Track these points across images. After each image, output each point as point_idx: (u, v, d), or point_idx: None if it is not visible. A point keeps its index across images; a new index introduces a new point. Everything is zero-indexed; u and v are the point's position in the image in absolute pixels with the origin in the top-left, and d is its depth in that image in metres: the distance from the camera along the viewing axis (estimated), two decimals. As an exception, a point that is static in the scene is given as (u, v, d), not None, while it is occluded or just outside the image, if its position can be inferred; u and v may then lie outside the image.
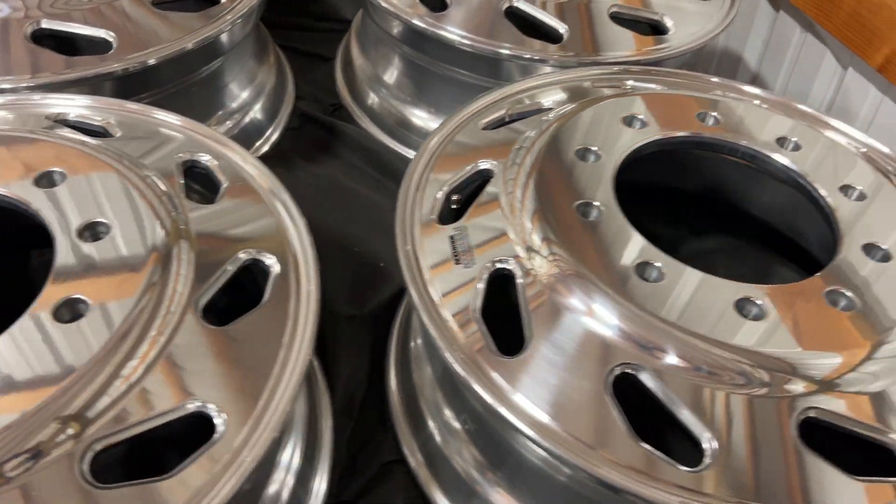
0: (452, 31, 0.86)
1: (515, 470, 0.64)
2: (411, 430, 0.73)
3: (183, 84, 0.91)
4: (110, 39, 0.81)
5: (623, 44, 0.87)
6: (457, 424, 0.68)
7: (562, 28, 0.87)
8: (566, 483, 0.58)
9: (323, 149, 1.04)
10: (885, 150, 0.80)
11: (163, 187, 0.65)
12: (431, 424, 0.70)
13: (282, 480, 0.63)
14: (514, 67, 0.87)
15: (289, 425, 0.66)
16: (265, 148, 1.05)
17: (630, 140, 0.73)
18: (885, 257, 0.64)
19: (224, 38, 0.89)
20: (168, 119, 0.74)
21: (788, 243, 0.84)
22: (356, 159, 1.04)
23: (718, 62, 1.43)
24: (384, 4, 0.89)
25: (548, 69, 0.86)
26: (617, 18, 0.89)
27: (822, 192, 0.70)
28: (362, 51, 1.11)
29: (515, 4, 0.89)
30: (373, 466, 0.72)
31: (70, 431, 0.46)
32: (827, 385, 0.56)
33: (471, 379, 0.54)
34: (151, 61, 0.80)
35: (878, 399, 0.55)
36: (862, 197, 0.70)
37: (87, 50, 0.82)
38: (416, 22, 0.88)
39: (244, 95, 1.03)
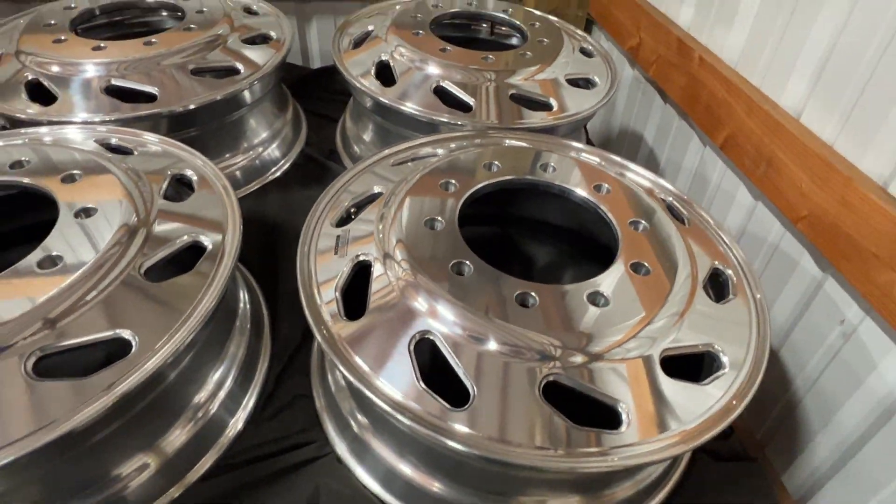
0: (400, 104, 0.97)
1: (369, 410, 0.70)
2: (319, 379, 0.80)
3: (219, 124, 1.03)
4: (154, 92, 0.93)
5: (516, 115, 0.96)
6: (339, 377, 0.75)
7: (472, 101, 0.96)
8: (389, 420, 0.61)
9: (315, 179, 1.14)
10: (670, 186, 0.87)
11: (147, 189, 0.75)
12: (330, 377, 0.77)
13: (211, 392, 0.72)
14: (440, 128, 0.96)
15: (223, 356, 0.74)
16: (276, 174, 1.15)
17: (481, 178, 0.79)
18: (647, 272, 0.69)
19: (246, 94, 1.01)
20: (171, 148, 0.85)
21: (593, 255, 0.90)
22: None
23: (629, 140, 1.50)
24: (355, 83, 1.00)
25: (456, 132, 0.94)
26: (514, 98, 0.98)
27: (612, 220, 0.77)
28: (351, 115, 1.22)
29: (441, 84, 0.98)
30: (288, 397, 0.79)
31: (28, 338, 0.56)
32: (571, 359, 0.60)
33: (317, 334, 0.61)
34: (179, 109, 0.92)
35: (614, 372, 0.60)
36: (643, 227, 0.76)
37: (142, 99, 0.94)
38: (379, 97, 0.98)
39: (264, 135, 1.14)
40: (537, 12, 1.25)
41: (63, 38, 0.99)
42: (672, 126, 1.29)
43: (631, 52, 1.39)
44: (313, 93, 1.42)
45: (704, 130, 1.13)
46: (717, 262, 0.75)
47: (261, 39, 1.10)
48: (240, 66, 1.00)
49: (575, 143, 0.92)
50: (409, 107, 0.96)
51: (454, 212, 0.73)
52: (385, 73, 1.03)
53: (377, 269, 0.67)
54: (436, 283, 0.64)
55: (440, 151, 0.86)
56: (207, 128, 1.02)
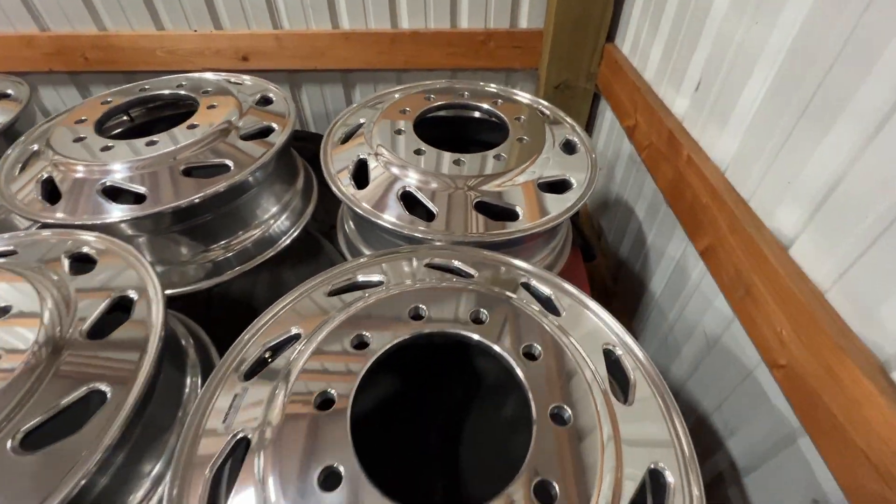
0: (358, 207, 0.73)
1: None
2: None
3: (225, 210, 0.83)
4: (144, 193, 0.74)
5: (481, 226, 0.71)
6: None
7: (435, 209, 0.72)
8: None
9: (311, 256, 0.95)
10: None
11: (52, 274, 0.59)
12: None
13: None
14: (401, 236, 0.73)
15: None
16: (285, 244, 0.95)
17: (396, 334, 0.51)
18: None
19: (250, 179, 0.81)
20: (49, 234, 0.68)
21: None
22: (321, 266, 0.91)
23: (622, 211, 1.19)
24: (329, 182, 0.78)
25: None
26: (478, 207, 0.72)
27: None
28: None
29: (407, 189, 0.74)
30: None
31: None
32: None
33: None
34: (167, 208, 0.73)
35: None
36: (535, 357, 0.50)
37: (137, 199, 0.76)
38: (346, 200, 0.75)
39: (273, 210, 0.94)
40: (526, 98, 0.96)
41: (83, 135, 0.82)
42: (660, 211, 0.98)
43: (628, 132, 1.08)
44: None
45: (687, 231, 0.82)
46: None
47: (266, 131, 0.89)
48: (230, 163, 0.80)
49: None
50: (368, 210, 0.72)
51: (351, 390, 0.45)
52: (362, 173, 0.80)
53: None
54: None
55: (375, 278, 0.61)
56: (213, 215, 0.83)
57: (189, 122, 0.84)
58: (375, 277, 0.60)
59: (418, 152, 0.78)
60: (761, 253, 0.62)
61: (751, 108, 0.69)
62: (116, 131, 1.01)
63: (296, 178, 1.01)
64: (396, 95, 0.96)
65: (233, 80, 1.02)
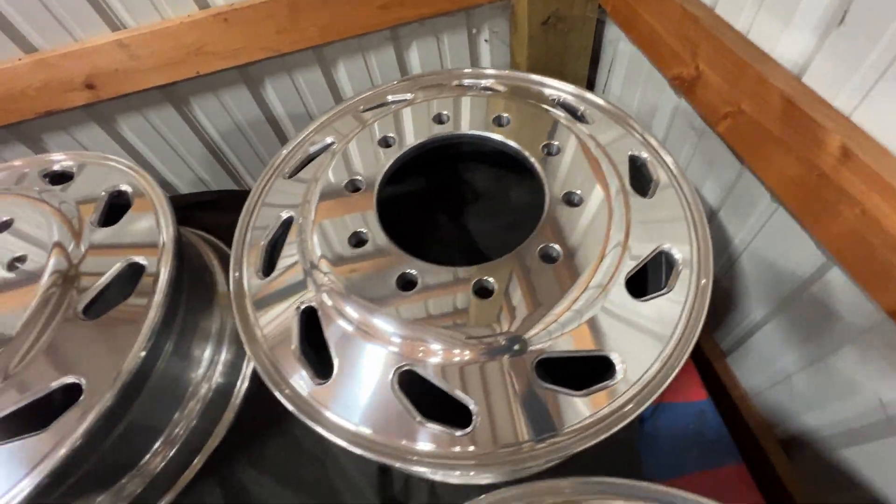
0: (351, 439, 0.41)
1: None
2: None
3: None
4: None
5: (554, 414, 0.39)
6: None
7: (472, 403, 0.40)
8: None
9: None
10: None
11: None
12: None
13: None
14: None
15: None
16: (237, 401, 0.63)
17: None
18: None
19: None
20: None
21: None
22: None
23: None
24: (281, 398, 0.44)
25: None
26: (540, 371, 0.40)
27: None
28: None
29: (406, 368, 0.41)
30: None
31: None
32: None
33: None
34: None
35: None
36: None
37: None
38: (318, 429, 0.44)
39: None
40: (559, 89, 0.59)
41: None
42: (774, 220, 0.66)
43: (679, 86, 0.72)
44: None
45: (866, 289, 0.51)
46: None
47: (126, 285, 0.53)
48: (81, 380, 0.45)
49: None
50: (349, 436, 0.40)
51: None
52: (315, 345, 0.46)
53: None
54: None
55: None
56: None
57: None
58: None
59: (407, 285, 0.44)
60: None
61: None
62: None
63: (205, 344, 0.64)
64: (328, 140, 0.58)
65: (30, 170, 0.63)
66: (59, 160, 0.67)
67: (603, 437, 0.37)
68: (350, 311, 0.43)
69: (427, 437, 0.38)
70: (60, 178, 0.66)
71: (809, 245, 0.58)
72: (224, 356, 0.61)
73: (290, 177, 0.57)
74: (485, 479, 0.47)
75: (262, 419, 0.60)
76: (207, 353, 0.59)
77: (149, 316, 0.47)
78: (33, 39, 0.84)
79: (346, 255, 0.46)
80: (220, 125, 1.07)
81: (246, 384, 0.61)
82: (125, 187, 0.61)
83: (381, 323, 0.41)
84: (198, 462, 0.56)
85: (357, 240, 0.47)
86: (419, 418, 0.38)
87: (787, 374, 0.68)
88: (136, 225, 0.56)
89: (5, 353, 0.45)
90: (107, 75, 0.88)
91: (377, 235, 0.47)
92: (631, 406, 0.38)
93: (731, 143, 0.64)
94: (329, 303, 0.44)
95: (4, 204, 0.60)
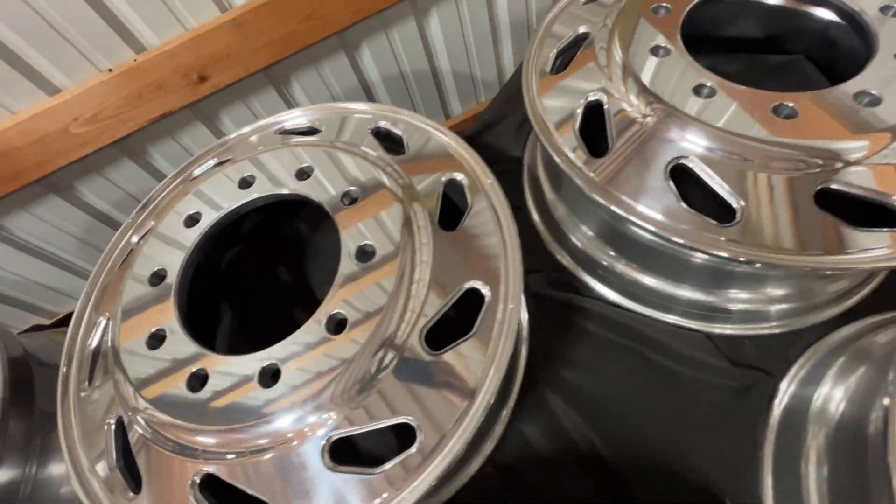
0: (596, 196, 0.49)
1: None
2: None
3: None
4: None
5: (828, 235, 0.45)
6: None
7: (737, 204, 0.46)
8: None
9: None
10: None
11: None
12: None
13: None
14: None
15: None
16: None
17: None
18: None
19: None
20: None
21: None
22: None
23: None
24: (563, 165, 0.51)
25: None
26: (823, 196, 0.46)
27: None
28: (557, 195, 0.65)
29: (681, 163, 0.48)
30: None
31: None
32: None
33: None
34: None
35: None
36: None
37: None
38: (575, 178, 0.50)
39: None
40: None
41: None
42: None
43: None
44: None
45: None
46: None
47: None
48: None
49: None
50: (605, 204, 0.48)
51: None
52: (594, 125, 0.52)
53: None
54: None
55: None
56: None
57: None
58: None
59: (699, 90, 0.49)
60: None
61: None
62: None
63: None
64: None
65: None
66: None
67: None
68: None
69: (685, 218, 0.43)
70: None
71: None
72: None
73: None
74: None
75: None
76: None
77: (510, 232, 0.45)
78: (144, 37, 0.80)
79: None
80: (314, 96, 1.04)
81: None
82: (399, 127, 0.57)
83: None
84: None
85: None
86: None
87: None
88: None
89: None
90: (219, 61, 0.85)
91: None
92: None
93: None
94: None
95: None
